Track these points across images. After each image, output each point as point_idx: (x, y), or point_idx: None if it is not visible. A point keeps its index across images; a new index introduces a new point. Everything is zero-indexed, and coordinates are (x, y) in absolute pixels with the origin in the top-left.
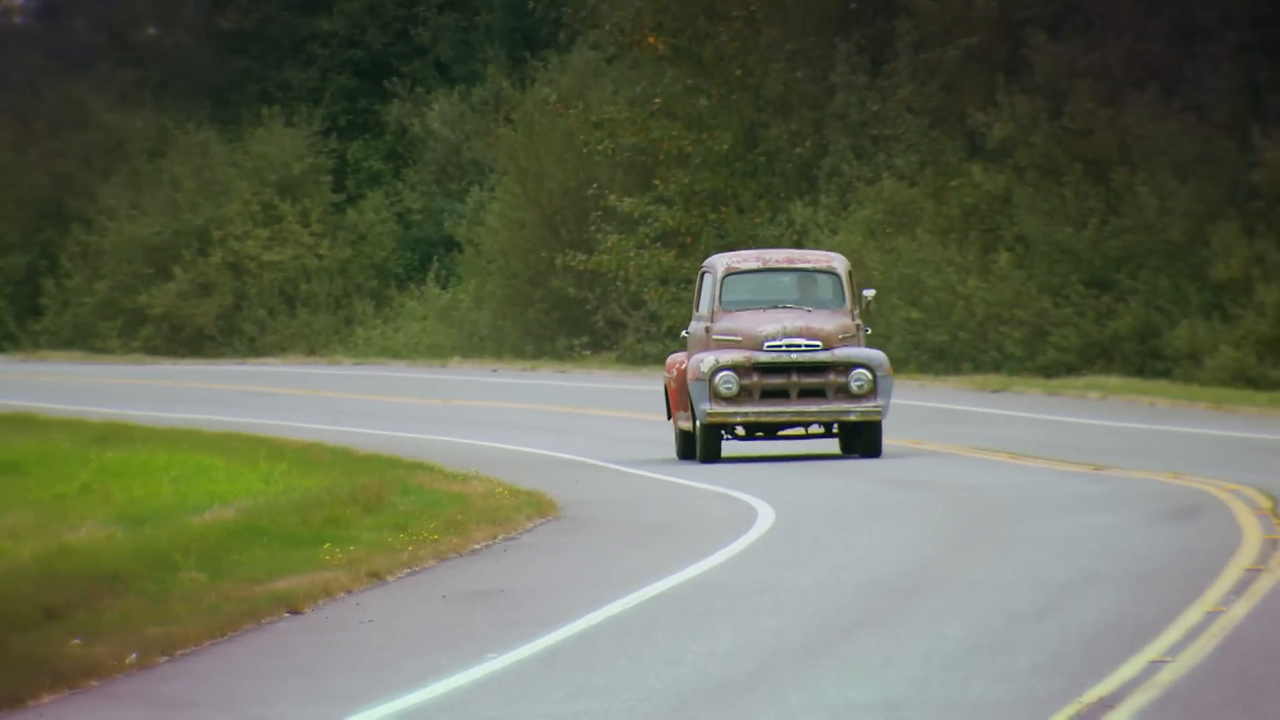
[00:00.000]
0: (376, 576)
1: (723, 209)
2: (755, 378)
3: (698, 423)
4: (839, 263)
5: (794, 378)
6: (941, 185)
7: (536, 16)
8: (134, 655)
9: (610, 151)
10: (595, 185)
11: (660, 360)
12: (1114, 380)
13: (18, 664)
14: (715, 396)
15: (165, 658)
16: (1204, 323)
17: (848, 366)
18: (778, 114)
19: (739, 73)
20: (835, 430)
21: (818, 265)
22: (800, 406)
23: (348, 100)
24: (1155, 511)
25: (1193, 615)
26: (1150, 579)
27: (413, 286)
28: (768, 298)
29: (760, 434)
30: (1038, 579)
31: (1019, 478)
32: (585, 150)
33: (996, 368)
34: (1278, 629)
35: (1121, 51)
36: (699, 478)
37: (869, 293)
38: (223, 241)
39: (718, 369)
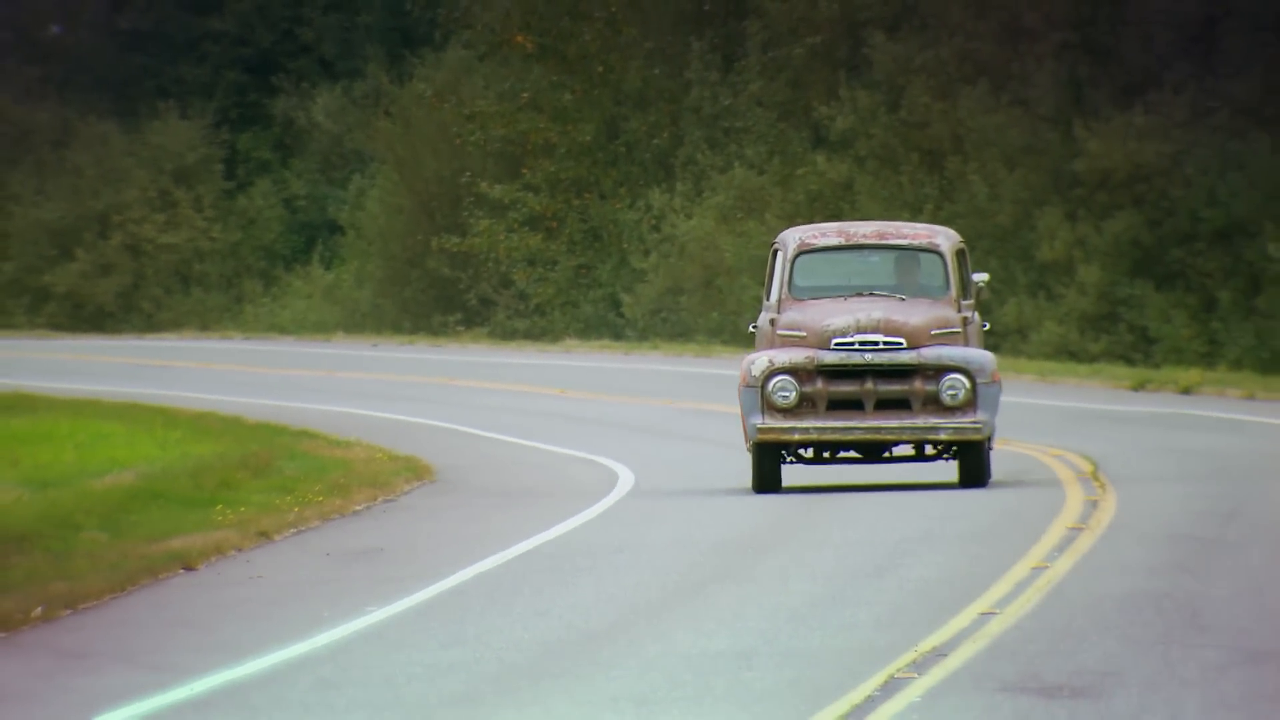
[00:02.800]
0: (265, 536)
1: (586, 195)
2: (819, 384)
3: (750, 442)
4: (944, 239)
5: (869, 384)
6: (788, 174)
7: (414, 16)
8: (39, 609)
9: (481, 142)
10: (468, 174)
11: (530, 335)
12: None
13: None
14: (769, 408)
15: (68, 611)
16: (1030, 301)
17: (938, 371)
18: (636, 108)
19: (600, 69)
20: (935, 451)
21: (916, 242)
22: (877, 422)
23: (238, 95)
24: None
25: (1019, 571)
26: (980, 538)
27: (299, 267)
28: (851, 283)
29: (827, 455)
30: (877, 538)
31: None
32: (458, 141)
33: None
34: (1097, 583)
35: (954, 50)
36: (564, 444)
37: (980, 277)
38: (122, 225)
39: (771, 372)
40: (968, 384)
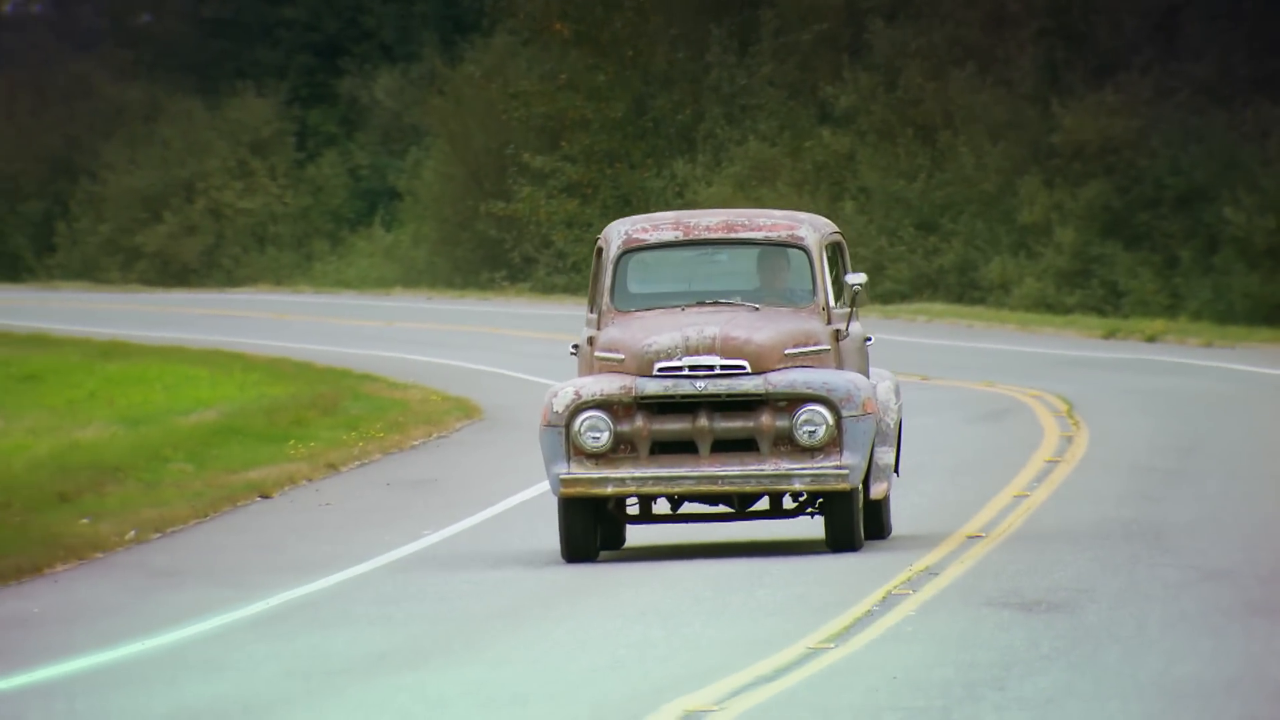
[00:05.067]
0: (332, 467)
1: (617, 165)
2: (639, 421)
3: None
4: (810, 230)
5: (703, 421)
6: (797, 146)
7: (464, 5)
8: (132, 533)
9: (524, 118)
10: (512, 146)
11: (567, 290)
12: (938, 306)
13: (36, 540)
14: (577, 453)
15: (158, 535)
16: (1012, 259)
17: (792, 401)
18: (662, 87)
19: (630, 53)
20: (796, 505)
21: (774, 235)
22: (714, 469)
23: (308, 75)
24: (972, 414)
25: (1002, 499)
26: (967, 469)
27: (362, 229)
28: (694, 289)
29: (660, 510)
30: None
31: None
32: (504, 117)
33: None
34: (1071, 510)
35: (945, 35)
36: None
37: (856, 279)
38: (205, 191)
39: (578, 407)
40: (829, 418)
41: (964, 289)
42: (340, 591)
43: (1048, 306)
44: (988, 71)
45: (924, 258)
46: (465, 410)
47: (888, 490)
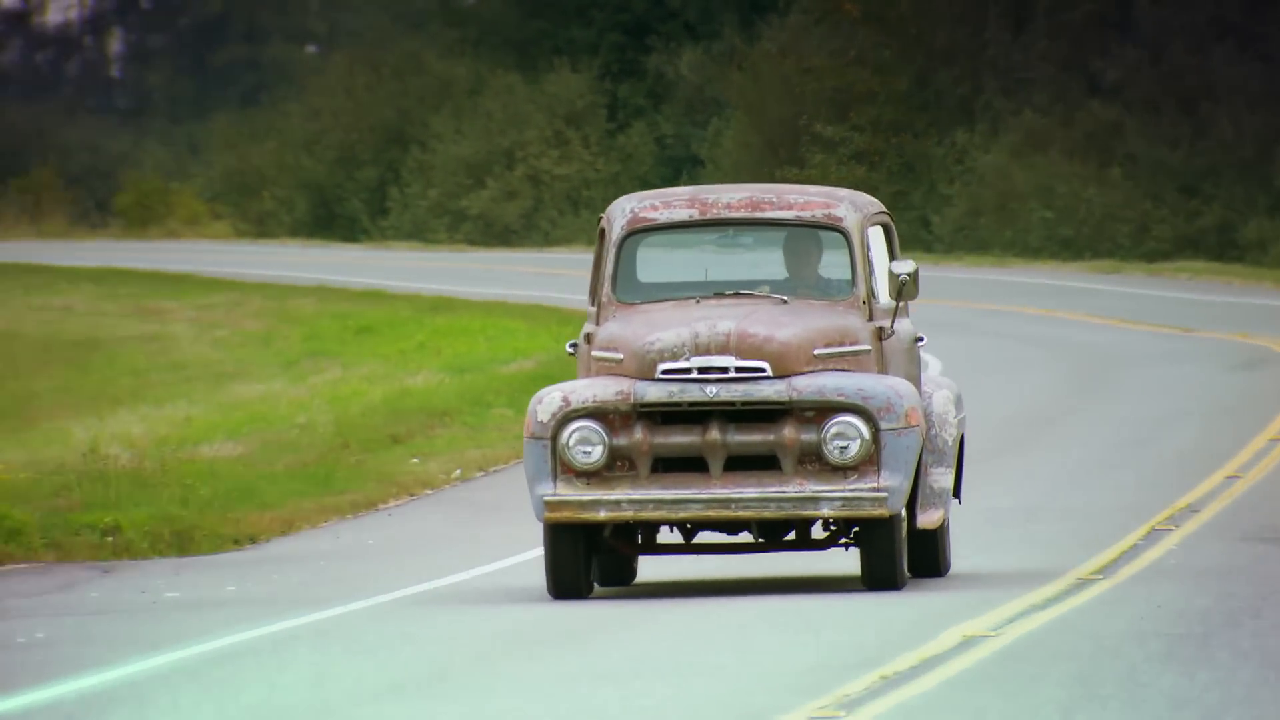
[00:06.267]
0: None
1: (902, 135)
2: (639, 433)
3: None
4: (850, 209)
5: (714, 433)
6: (1068, 116)
7: None
8: (457, 471)
9: (816, 91)
10: (804, 116)
11: None
12: (1200, 264)
13: (371, 478)
14: (565, 470)
15: (481, 473)
16: (1269, 220)
17: (821, 411)
18: (943, 62)
19: (914, 31)
20: (827, 535)
21: (807, 214)
22: (726, 490)
23: (619, 52)
24: (1230, 363)
25: (1259, 442)
26: (1226, 414)
27: None
28: (711, 278)
29: (662, 540)
30: (1140, 415)
31: (1126, 338)
32: (797, 90)
33: (1110, 254)
34: None
35: (1207, 13)
36: None
37: (904, 267)
38: (524, 159)
39: (566, 416)
40: (865, 431)
41: (1223, 248)
42: None
43: None
44: (1247, 48)
45: (1186, 220)
46: None
47: (944, 519)
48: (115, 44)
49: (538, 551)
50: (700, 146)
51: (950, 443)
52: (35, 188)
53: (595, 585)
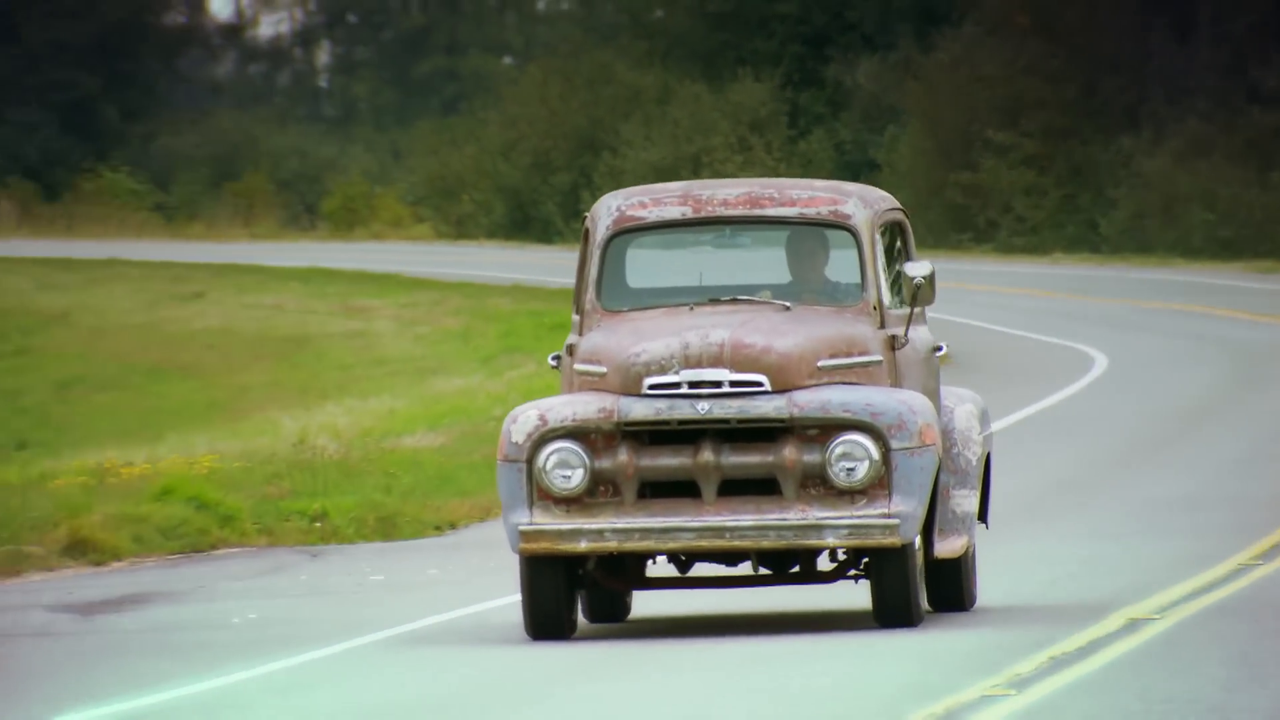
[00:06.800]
0: None
1: (1070, 140)
2: (624, 455)
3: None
4: (859, 206)
5: (707, 454)
6: (1230, 123)
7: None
8: None
9: (988, 99)
10: (977, 123)
11: (1025, 250)
12: None
13: None
14: (542, 496)
15: None
16: None
17: (825, 429)
18: (1110, 71)
19: (1081, 41)
20: (836, 566)
21: (812, 211)
22: (720, 518)
23: (799, 63)
24: None
25: None
26: None
27: None
28: (706, 283)
29: (651, 572)
30: None
31: None
32: (970, 98)
33: (1270, 255)
34: None
35: None
36: (1053, 334)
37: (919, 269)
38: (709, 164)
39: (543, 437)
40: (874, 451)
41: None
42: None
43: None
44: None
45: None
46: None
47: (968, 547)
48: (323, 56)
49: None
50: (877, 151)
51: (975, 463)
52: (248, 192)
53: (586, 622)
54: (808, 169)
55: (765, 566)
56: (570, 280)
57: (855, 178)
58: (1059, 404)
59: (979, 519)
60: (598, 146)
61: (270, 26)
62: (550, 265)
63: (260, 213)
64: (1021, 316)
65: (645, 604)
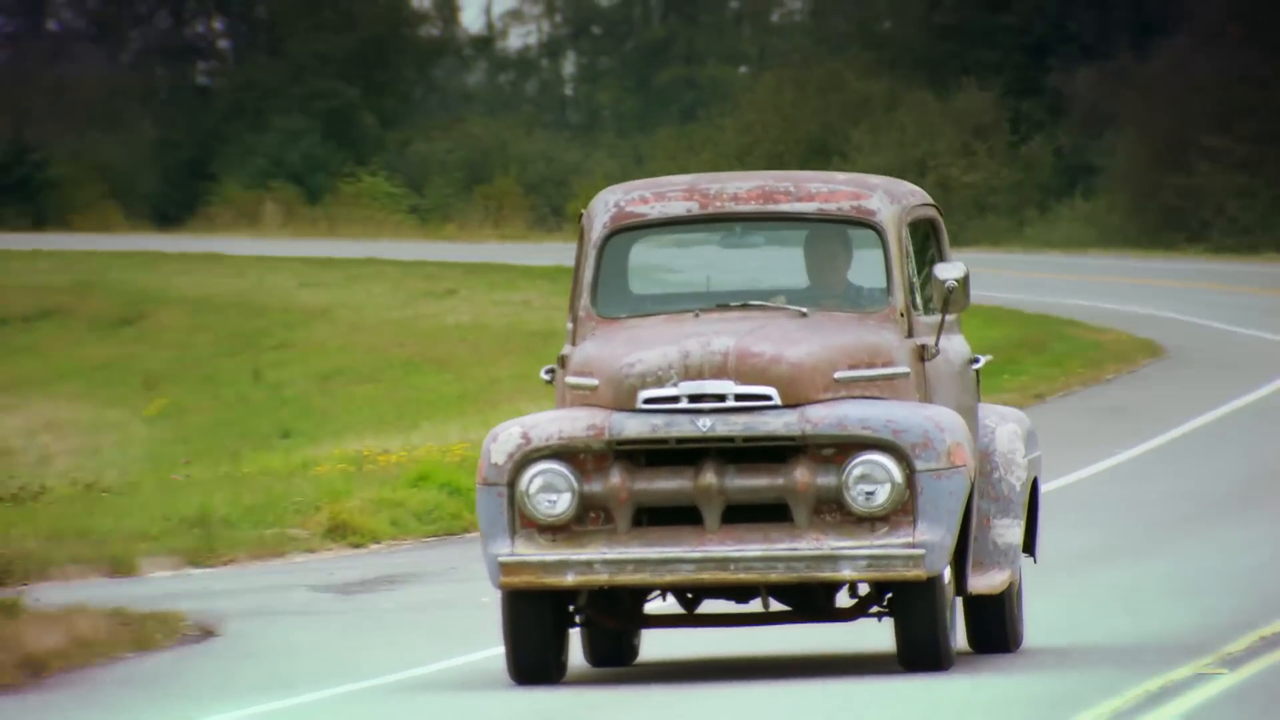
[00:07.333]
0: (1040, 397)
1: None
2: (617, 478)
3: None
4: (885, 201)
5: (709, 477)
6: None
7: (1152, 10)
8: None
9: (1201, 106)
10: (1191, 129)
11: (1236, 250)
12: None
13: None
14: (525, 524)
15: None
16: None
17: (841, 448)
18: None
19: None
20: (856, 603)
21: (830, 208)
22: (724, 548)
23: (1019, 72)
24: None
25: None
26: None
27: (1065, 199)
28: (715, 286)
29: (650, 608)
30: None
31: None
32: (1184, 105)
33: None
34: None
35: None
36: (1267, 330)
37: (951, 271)
38: (934, 168)
39: (526, 457)
40: (896, 473)
41: None
42: (1052, 498)
43: None
44: None
45: None
46: (1150, 350)
47: (1011, 582)
48: (569, 66)
49: None
50: (1094, 156)
51: (1018, 488)
52: (498, 195)
53: (588, 665)
54: (1029, 173)
55: (782, 602)
56: None
57: (1073, 181)
58: (1274, 395)
59: (1025, 552)
60: (828, 151)
61: (519, 38)
62: None
63: (509, 214)
64: (1236, 313)
65: (655, 644)
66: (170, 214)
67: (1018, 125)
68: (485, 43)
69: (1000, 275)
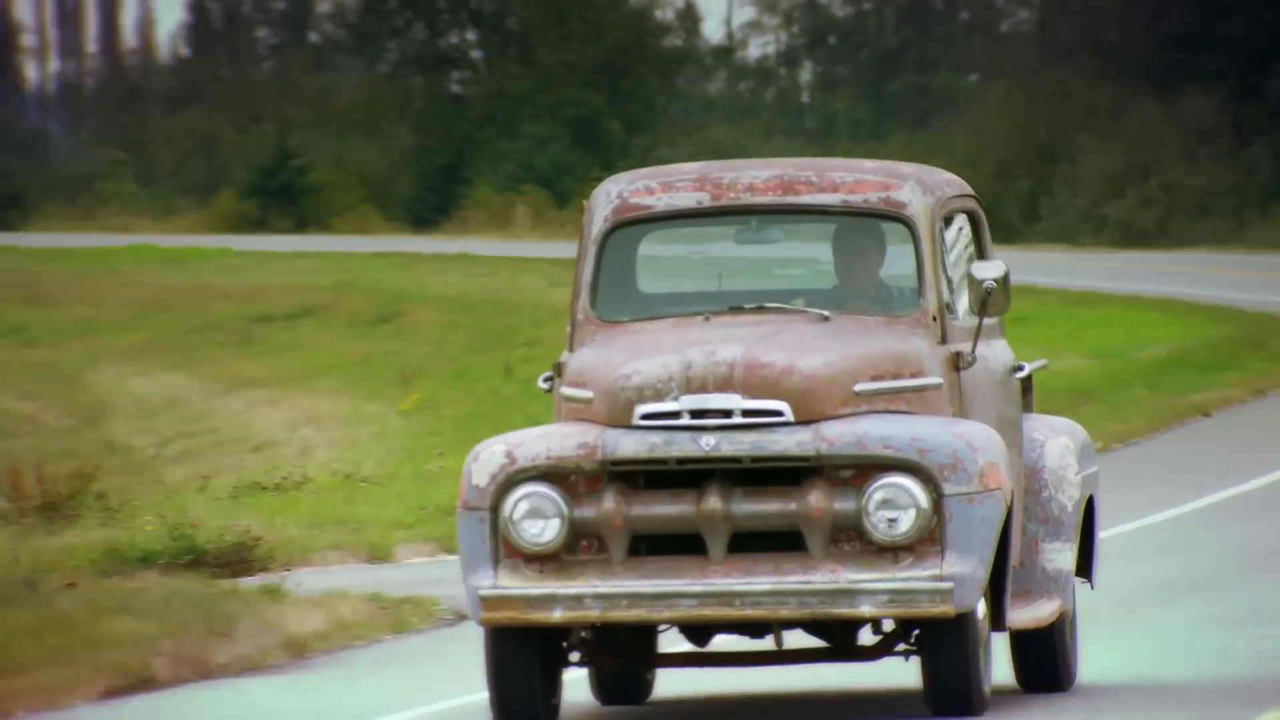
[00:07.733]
0: (1260, 392)
1: None
2: (611, 502)
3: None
4: (917, 192)
5: (714, 501)
6: None
7: None
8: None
9: None
10: None
11: None
12: None
13: None
14: (510, 553)
15: (1120, 444)
16: None
17: (860, 469)
18: None
19: None
20: (879, 641)
21: (856, 200)
22: (730, 581)
23: (1243, 78)
24: None
25: None
26: None
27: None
28: (725, 287)
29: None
30: None
31: None
32: None
33: None
34: None
35: None
36: None
37: (990, 271)
38: (1158, 172)
39: (510, 479)
40: (922, 497)
41: None
42: (1269, 489)
43: None
44: None
45: None
46: None
47: (1062, 612)
48: (805, 75)
49: (1170, 513)
50: None
51: (1070, 509)
52: None
53: (598, 703)
54: (1249, 176)
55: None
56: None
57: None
58: None
59: (1081, 576)
60: (1056, 156)
61: (758, 48)
62: (1010, 264)
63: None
64: None
65: (672, 681)
66: (425, 217)
67: (1239, 130)
68: (725, 52)
69: (1222, 275)
